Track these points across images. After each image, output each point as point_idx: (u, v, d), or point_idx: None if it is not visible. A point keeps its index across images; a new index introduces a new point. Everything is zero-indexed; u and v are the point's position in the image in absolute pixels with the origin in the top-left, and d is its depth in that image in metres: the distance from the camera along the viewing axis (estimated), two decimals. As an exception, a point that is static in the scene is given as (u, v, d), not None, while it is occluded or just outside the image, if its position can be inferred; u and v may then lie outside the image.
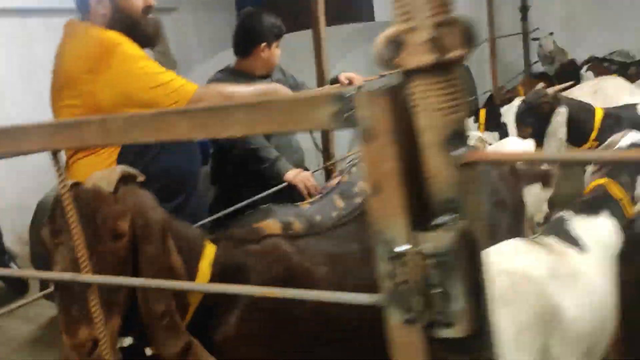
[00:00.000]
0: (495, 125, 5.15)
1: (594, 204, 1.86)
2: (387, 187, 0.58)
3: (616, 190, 1.86)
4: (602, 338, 1.64)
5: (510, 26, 7.57)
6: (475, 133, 3.91)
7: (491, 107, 5.40)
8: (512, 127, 4.93)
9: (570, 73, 6.16)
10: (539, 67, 7.48)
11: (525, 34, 7.64)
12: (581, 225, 1.78)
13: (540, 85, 3.61)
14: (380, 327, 0.62)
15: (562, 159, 1.73)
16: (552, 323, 1.46)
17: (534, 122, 3.38)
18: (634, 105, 3.54)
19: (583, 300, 1.58)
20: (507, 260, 1.55)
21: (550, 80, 5.96)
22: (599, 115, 3.40)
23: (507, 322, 1.36)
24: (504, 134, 5.05)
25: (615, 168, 1.89)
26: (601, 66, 6.13)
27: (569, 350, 1.49)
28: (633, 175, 1.89)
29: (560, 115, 3.28)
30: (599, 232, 1.79)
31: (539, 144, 3.41)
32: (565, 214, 1.84)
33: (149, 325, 1.28)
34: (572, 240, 1.73)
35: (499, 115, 5.14)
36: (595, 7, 7.56)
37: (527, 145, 3.55)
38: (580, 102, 3.51)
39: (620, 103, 4.45)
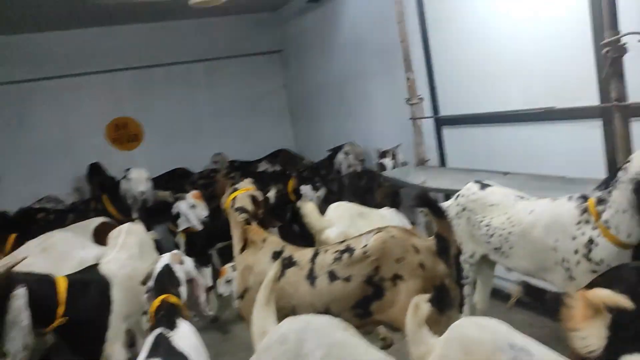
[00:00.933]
0: None
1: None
2: None
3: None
4: None
5: None
6: None
7: None
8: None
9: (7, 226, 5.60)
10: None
11: None
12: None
13: None
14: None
15: None
16: None
17: None
18: (95, 266, 3.47)
19: None
20: None
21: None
22: (62, 287, 3.11)
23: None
24: None
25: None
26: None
27: None
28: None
29: (19, 298, 2.78)
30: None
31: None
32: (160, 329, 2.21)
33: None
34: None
35: None
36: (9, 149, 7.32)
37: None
38: (38, 275, 3.10)
39: (74, 259, 4.35)
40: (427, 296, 1.93)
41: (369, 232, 2.81)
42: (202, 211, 5.18)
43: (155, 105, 8.07)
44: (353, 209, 4.28)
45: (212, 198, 6.43)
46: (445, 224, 2.62)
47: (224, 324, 5.13)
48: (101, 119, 7.80)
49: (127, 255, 3.64)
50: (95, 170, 7.05)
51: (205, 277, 5.55)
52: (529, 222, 2.95)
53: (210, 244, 5.58)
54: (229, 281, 4.84)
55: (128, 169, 5.90)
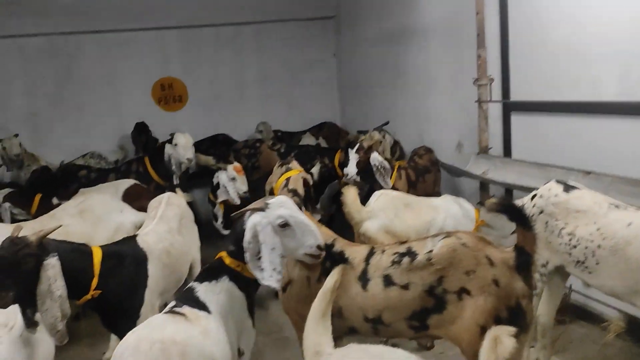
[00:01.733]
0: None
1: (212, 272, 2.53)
2: None
3: (229, 261, 2.54)
4: None
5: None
6: None
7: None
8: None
9: (44, 181, 5.51)
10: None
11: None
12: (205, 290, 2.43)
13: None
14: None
15: None
16: None
17: (14, 283, 2.53)
18: (132, 237, 3.27)
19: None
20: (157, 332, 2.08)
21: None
22: (97, 258, 2.92)
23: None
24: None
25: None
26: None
27: None
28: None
29: (52, 268, 2.60)
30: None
31: (28, 304, 2.62)
32: (193, 283, 2.48)
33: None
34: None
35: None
36: (57, 104, 7.26)
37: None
38: (74, 245, 2.92)
39: (111, 223, 4.20)
40: (512, 330, 1.60)
41: (436, 235, 2.48)
42: (242, 185, 4.92)
43: (201, 67, 7.84)
44: (398, 198, 3.94)
45: (254, 169, 6.20)
46: (530, 237, 2.26)
47: (261, 300, 4.88)
48: (148, 78, 7.63)
49: (166, 228, 3.45)
50: (141, 130, 6.90)
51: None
52: (624, 237, 2.54)
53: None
54: None
55: (173, 134, 5.69)
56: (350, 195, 3.61)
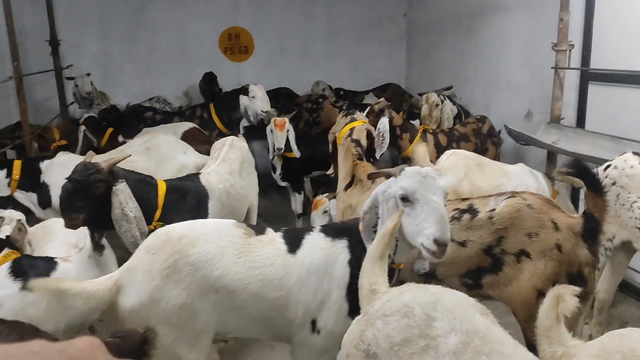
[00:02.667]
0: (33, 185, 4.20)
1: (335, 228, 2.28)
2: None
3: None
4: None
5: (40, 62, 6.61)
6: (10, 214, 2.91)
7: (29, 161, 4.37)
8: (55, 189, 4.13)
9: (116, 120, 5.74)
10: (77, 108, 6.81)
11: (57, 71, 6.79)
12: (313, 239, 2.20)
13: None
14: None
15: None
16: None
17: (85, 206, 2.64)
18: (195, 175, 3.38)
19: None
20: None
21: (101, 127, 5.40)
22: (161, 190, 3.04)
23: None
24: (46, 197, 4.18)
25: None
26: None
27: None
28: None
29: (121, 193, 2.74)
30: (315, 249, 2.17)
31: (97, 228, 2.77)
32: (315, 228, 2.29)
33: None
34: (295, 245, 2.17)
35: (39, 171, 4.23)
36: (128, 46, 7.46)
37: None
38: (141, 175, 3.06)
39: (175, 162, 4.36)
40: (576, 289, 1.54)
41: (500, 194, 2.41)
42: (277, 143, 4.94)
43: (269, 19, 7.82)
44: (471, 158, 3.72)
45: (315, 124, 6.20)
46: (601, 203, 2.16)
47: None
48: (216, 27, 7.70)
49: (227, 170, 3.53)
50: (210, 81, 6.97)
51: (297, 203, 5.44)
52: None
53: (307, 170, 5.41)
54: (326, 212, 4.66)
55: (247, 85, 5.74)
56: (421, 151, 3.52)
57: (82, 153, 5.02)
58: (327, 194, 4.72)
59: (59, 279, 2.26)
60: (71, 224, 2.67)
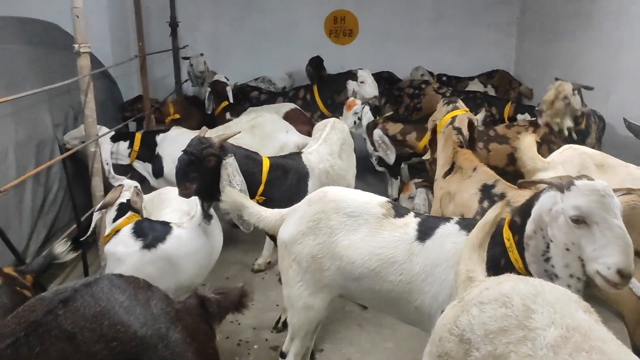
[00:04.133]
0: (149, 156, 4.56)
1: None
2: None
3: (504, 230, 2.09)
4: None
5: (160, 42, 7.10)
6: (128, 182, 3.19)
7: (147, 134, 4.73)
8: (168, 161, 4.46)
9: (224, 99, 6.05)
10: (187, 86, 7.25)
11: (175, 51, 7.27)
12: (447, 230, 2.19)
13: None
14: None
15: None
16: None
17: (198, 177, 2.86)
18: (297, 154, 3.51)
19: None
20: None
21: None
22: (265, 167, 3.20)
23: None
24: (158, 168, 4.52)
25: None
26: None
27: None
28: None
29: (230, 167, 2.94)
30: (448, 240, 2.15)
31: (206, 198, 3.00)
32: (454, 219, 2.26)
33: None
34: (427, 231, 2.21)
35: (155, 143, 4.58)
36: (238, 28, 7.77)
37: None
38: (248, 152, 3.24)
39: (277, 141, 4.54)
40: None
41: (616, 190, 2.27)
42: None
43: (375, 1, 7.79)
44: (589, 156, 3.32)
45: (416, 110, 6.14)
46: None
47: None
48: (323, 9, 7.81)
49: (328, 150, 3.62)
50: (316, 65, 7.06)
51: (392, 188, 5.46)
52: None
53: (406, 157, 5.39)
54: (411, 197, 4.69)
55: (348, 70, 5.82)
56: (527, 141, 3.37)
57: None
58: (420, 180, 4.75)
59: (245, 196, 2.77)
60: (184, 193, 2.90)
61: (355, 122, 5.03)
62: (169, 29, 7.11)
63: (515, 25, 7.87)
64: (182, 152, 2.92)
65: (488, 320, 1.35)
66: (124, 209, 2.89)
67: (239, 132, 3.23)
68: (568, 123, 4.11)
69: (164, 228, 2.82)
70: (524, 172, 3.45)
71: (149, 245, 2.72)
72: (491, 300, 1.38)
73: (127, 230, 2.75)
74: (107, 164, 4.24)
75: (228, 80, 6.02)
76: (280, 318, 3.42)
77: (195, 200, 3.07)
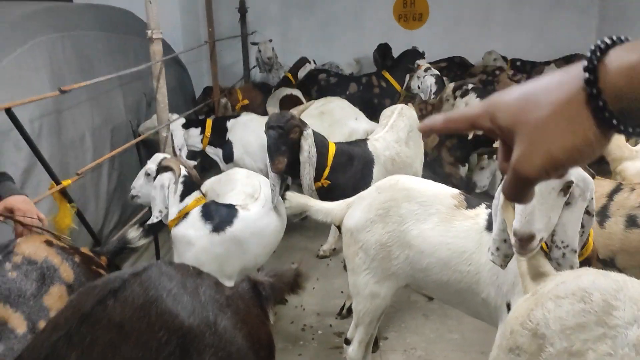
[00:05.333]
0: (220, 142, 4.66)
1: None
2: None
3: None
4: None
5: (229, 28, 7.23)
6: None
7: (218, 120, 4.84)
8: (237, 146, 4.55)
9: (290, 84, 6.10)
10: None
11: (244, 37, 7.38)
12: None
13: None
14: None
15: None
16: None
17: (287, 150, 2.97)
18: (363, 141, 3.47)
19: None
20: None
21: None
22: (332, 151, 3.19)
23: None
24: (229, 153, 4.61)
25: None
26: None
27: None
28: None
29: (309, 137, 3.02)
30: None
31: (291, 173, 3.08)
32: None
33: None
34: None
35: (225, 129, 4.67)
36: (306, 13, 7.77)
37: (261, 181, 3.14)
38: (317, 134, 3.24)
39: (346, 127, 4.51)
40: None
41: None
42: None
43: (446, -15, 7.57)
44: None
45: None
46: None
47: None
48: (392, -7, 7.67)
49: (394, 137, 3.55)
50: (383, 52, 6.95)
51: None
52: None
53: (475, 147, 5.21)
54: (482, 168, 4.83)
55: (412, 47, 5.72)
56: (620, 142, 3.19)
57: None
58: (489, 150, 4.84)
59: (308, 197, 2.78)
60: (277, 168, 2.97)
61: (418, 87, 5.03)
62: (237, 15, 7.22)
63: (597, 6, 7.38)
64: (267, 129, 3.01)
65: (565, 315, 1.26)
66: (188, 183, 2.89)
67: (312, 103, 3.29)
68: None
69: (230, 211, 2.87)
70: (610, 160, 3.28)
71: (217, 228, 2.78)
72: (568, 295, 1.29)
73: (195, 213, 2.82)
74: (180, 149, 4.35)
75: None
76: (344, 305, 3.42)
77: (259, 182, 3.11)
